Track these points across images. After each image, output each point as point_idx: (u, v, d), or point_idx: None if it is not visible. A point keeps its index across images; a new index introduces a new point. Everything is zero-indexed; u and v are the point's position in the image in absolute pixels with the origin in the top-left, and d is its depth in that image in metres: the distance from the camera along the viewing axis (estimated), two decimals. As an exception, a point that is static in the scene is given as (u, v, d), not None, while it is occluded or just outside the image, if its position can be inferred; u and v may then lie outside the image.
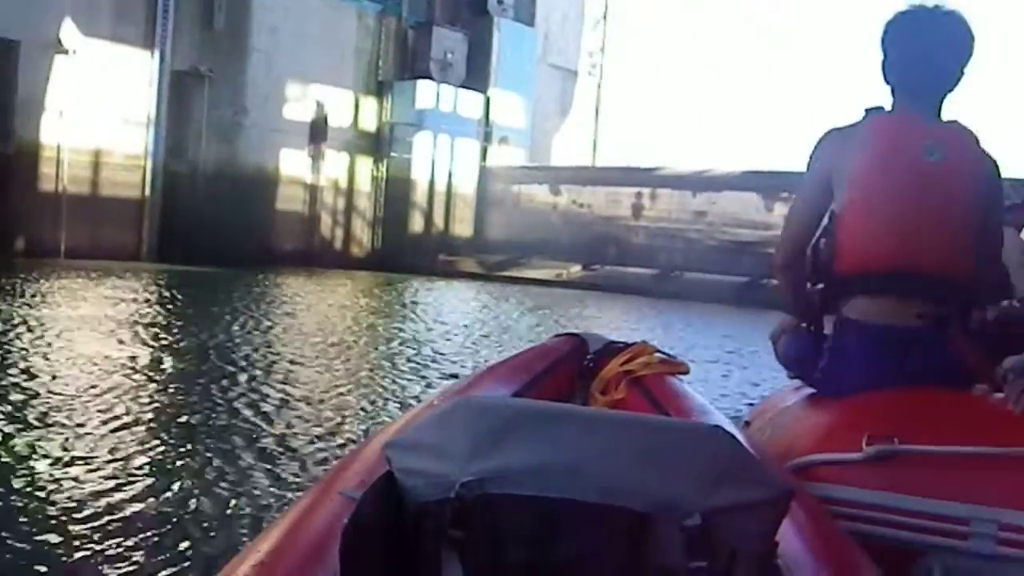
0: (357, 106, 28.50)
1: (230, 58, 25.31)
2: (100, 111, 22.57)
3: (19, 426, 5.93)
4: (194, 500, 4.77)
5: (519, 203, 30.17)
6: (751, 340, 13.94)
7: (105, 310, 12.60)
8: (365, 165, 28.80)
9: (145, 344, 9.77)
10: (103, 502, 4.59)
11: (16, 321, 10.65)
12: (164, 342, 10.21)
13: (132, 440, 5.79)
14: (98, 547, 4.03)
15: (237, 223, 24.64)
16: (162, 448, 5.73)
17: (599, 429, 1.72)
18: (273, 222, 26.64)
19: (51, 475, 4.99)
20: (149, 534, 4.24)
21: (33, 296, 13.67)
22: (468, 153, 29.95)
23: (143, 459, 5.42)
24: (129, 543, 4.11)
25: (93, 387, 7.22)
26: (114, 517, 4.40)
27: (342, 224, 28.63)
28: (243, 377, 8.29)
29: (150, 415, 6.55)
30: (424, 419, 1.85)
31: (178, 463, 5.44)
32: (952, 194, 3.07)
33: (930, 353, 3.01)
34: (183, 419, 6.51)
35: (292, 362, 9.26)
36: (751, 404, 8.21)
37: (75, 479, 4.93)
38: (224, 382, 7.97)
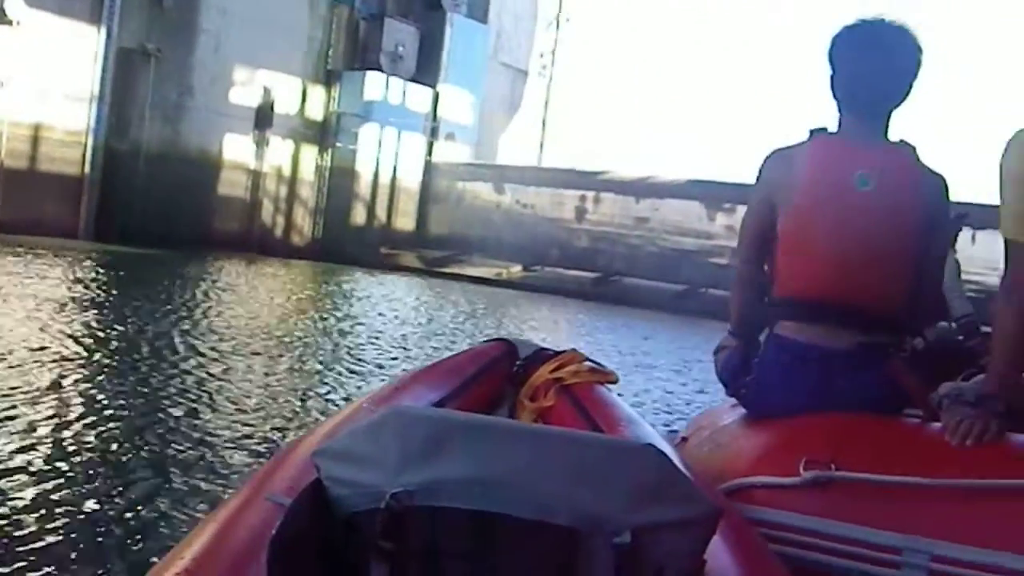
0: (305, 94, 28.30)
1: (178, 37, 24.99)
2: (43, 85, 22.21)
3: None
4: (118, 498, 4.67)
5: (463, 200, 30.12)
6: (680, 350, 14.04)
7: (32, 289, 12.42)
8: (310, 154, 28.61)
9: (70, 327, 9.60)
10: (16, 502, 4.46)
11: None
12: (92, 326, 10.05)
13: (50, 434, 5.64)
14: (17, 549, 3.92)
15: (177, 205, 24.40)
16: (80, 442, 5.59)
17: (531, 443, 1.72)
18: (214, 206, 26.38)
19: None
20: (68, 535, 4.11)
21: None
22: (414, 147, 29.84)
23: (60, 454, 5.29)
24: (50, 544, 4.00)
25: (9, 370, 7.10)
26: (29, 516, 4.26)
27: (284, 212, 28.42)
28: (170, 366, 8.18)
29: (71, 405, 6.40)
30: (354, 427, 1.83)
31: (97, 458, 5.32)
32: (885, 225, 3.08)
33: (861, 376, 3.02)
34: (106, 411, 6.38)
35: (221, 353, 9.14)
36: (669, 414, 8.27)
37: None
38: (151, 370, 7.87)
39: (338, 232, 28.54)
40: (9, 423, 5.72)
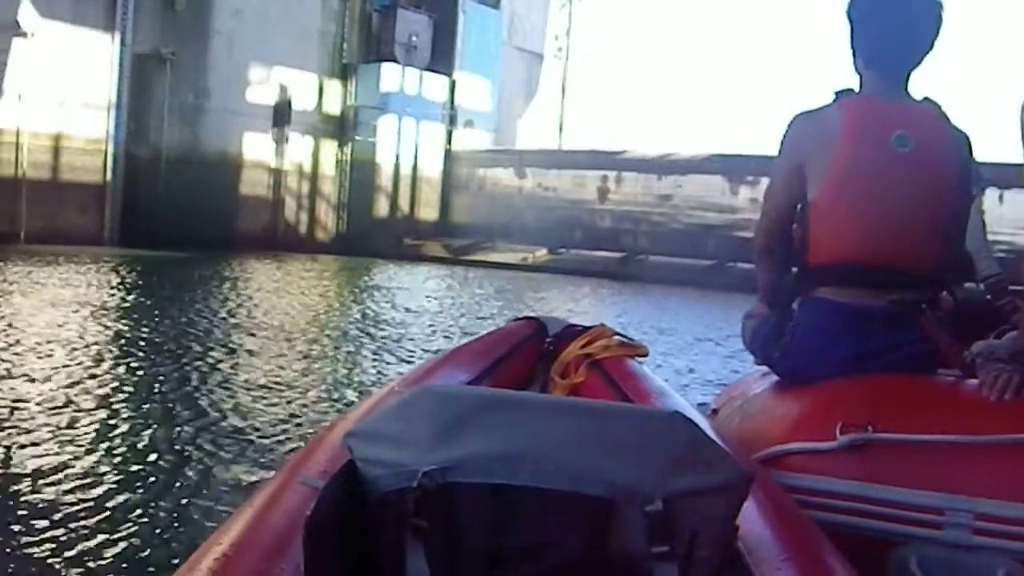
0: (321, 89, 28.31)
1: (192, 41, 25.02)
2: (60, 94, 22.27)
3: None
4: (157, 489, 4.72)
5: (484, 187, 30.10)
6: (712, 324, 13.98)
7: (65, 295, 12.48)
8: (329, 149, 28.63)
9: (106, 330, 9.68)
10: (62, 492, 4.53)
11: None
12: (125, 328, 10.12)
13: (93, 427, 5.74)
14: (61, 538, 3.98)
15: (200, 207, 24.40)
16: (122, 435, 5.67)
17: (560, 416, 1.74)
18: (237, 206, 26.43)
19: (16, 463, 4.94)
20: (110, 526, 4.18)
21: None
22: (433, 137, 29.84)
23: (104, 447, 5.37)
24: (91, 533, 4.06)
25: (52, 374, 7.13)
26: (74, 508, 4.34)
27: (307, 208, 28.46)
28: (208, 361, 8.23)
29: (112, 403, 6.47)
30: (385, 408, 1.86)
31: (139, 450, 5.40)
32: (924, 185, 3.04)
33: (899, 334, 2.98)
34: (145, 406, 6.44)
35: (255, 348, 9.19)
36: (711, 388, 8.22)
37: (33, 469, 4.86)
38: (188, 367, 7.92)
39: (362, 225, 28.55)
40: (56, 417, 5.86)
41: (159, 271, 17.95)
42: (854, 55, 3.23)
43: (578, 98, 37.44)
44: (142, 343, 9.19)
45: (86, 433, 5.63)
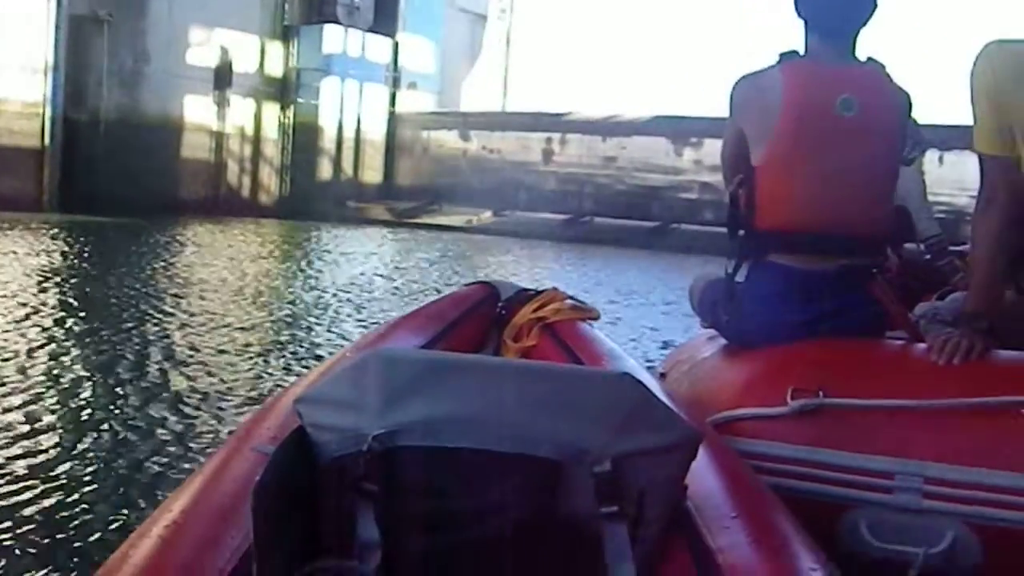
0: (263, 51, 28.05)
1: (130, 2, 24.67)
2: (-5, 57, 21.89)
3: None
4: (105, 456, 4.69)
5: (429, 149, 30.03)
6: (658, 285, 14.05)
7: (2, 261, 12.32)
8: (272, 111, 28.40)
9: (45, 297, 9.56)
10: (5, 459, 4.50)
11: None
12: (66, 295, 10.01)
13: (34, 398, 5.67)
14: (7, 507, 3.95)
15: (141, 172, 24.10)
16: (65, 401, 5.65)
17: (508, 379, 1.77)
18: (179, 170, 26.16)
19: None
20: (61, 492, 4.16)
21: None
22: (376, 99, 29.70)
23: (49, 417, 5.32)
24: (38, 498, 4.06)
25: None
26: (22, 477, 4.30)
27: (249, 172, 28.23)
28: (153, 328, 8.17)
29: (55, 370, 6.40)
30: (335, 373, 1.86)
31: (83, 416, 5.37)
32: (869, 149, 3.05)
33: (848, 298, 2.98)
34: (91, 372, 6.39)
35: (199, 314, 9.12)
36: (660, 350, 8.25)
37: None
38: (132, 335, 7.85)
39: (305, 189, 28.37)
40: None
41: (100, 236, 17.75)
42: (799, 17, 3.21)
43: (522, 59, 37.40)
44: (83, 309, 9.12)
45: (29, 399, 5.58)
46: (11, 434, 4.93)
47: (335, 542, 1.69)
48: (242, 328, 8.52)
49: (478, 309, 3.47)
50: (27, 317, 8.28)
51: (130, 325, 8.32)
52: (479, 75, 35.14)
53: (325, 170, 28.79)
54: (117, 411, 5.55)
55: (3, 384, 5.89)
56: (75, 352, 7.10)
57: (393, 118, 30.24)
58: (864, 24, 3.15)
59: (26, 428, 5.05)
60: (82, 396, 5.82)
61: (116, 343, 7.50)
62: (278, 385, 6.29)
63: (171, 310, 9.28)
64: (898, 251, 4.16)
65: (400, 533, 1.69)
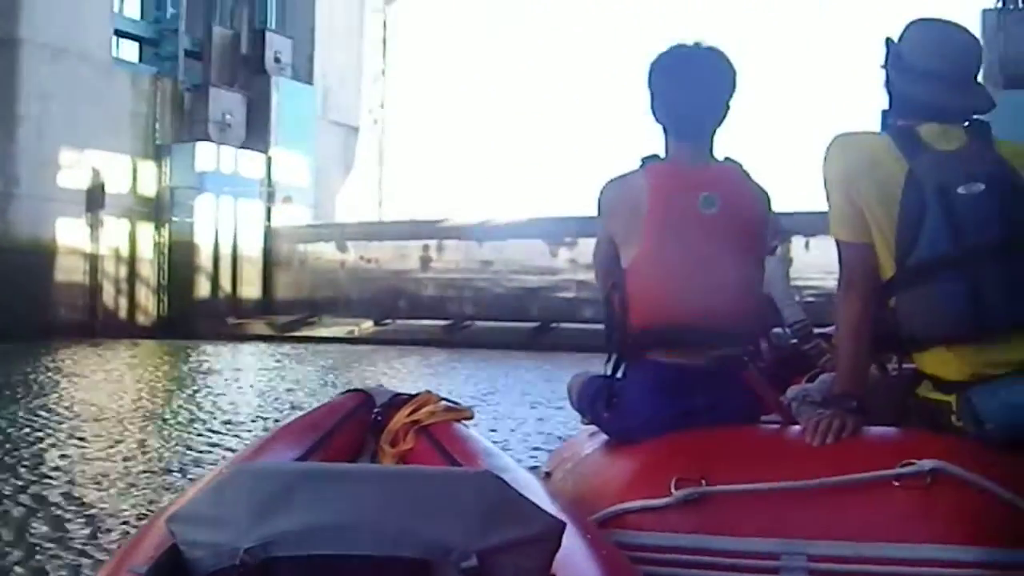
0: (135, 171, 27.87)
1: (-2, 126, 24.42)
2: None
3: None
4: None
5: (306, 262, 29.94)
6: (537, 384, 14.11)
7: None
8: (146, 231, 28.15)
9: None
10: None
11: None
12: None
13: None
14: None
15: (13, 297, 23.61)
16: None
17: (375, 484, 1.81)
18: (53, 294, 25.71)
19: None
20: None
21: None
22: (252, 214, 29.60)
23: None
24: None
25: None
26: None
27: (125, 292, 27.87)
28: (23, 458, 7.97)
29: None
30: (204, 490, 1.89)
31: None
32: (732, 243, 3.17)
33: (721, 390, 3.08)
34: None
35: (73, 440, 8.91)
36: (536, 449, 8.29)
37: None
38: (11, 461, 7.66)
39: (183, 307, 28.09)
40: None
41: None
42: (657, 121, 3.35)
43: (396, 169, 37.62)
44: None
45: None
46: None
47: None
48: (119, 453, 8.36)
49: (353, 416, 3.51)
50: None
51: (7, 454, 8.13)
52: (354, 186, 35.27)
53: (203, 288, 28.53)
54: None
55: None
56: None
57: (269, 232, 30.13)
58: (718, 125, 3.29)
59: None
60: None
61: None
62: (155, 507, 6.19)
63: (42, 437, 9.06)
64: (767, 338, 4.30)
65: None
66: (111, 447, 8.53)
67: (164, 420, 10.60)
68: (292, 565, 1.70)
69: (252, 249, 29.66)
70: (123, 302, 27.85)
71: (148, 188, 28.23)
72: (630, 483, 2.86)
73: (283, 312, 28.80)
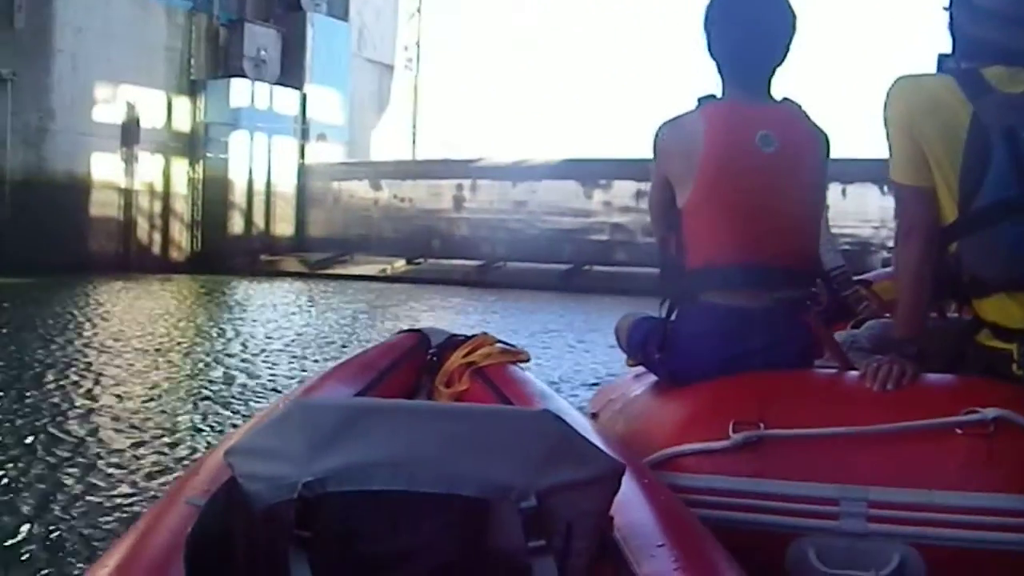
0: (170, 106, 27.89)
1: (33, 60, 24.43)
2: None
3: None
4: (27, 525, 4.60)
5: (340, 200, 29.96)
6: (575, 326, 14.09)
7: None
8: (180, 167, 28.21)
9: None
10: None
11: None
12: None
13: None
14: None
15: (49, 231, 23.80)
16: None
17: (433, 421, 1.82)
18: (87, 229, 25.85)
19: None
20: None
21: None
22: (286, 151, 29.61)
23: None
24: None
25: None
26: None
27: (159, 228, 27.98)
28: (66, 391, 8.02)
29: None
30: (263, 424, 1.91)
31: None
32: (792, 183, 3.13)
33: (779, 332, 3.05)
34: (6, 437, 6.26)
35: (115, 373, 8.97)
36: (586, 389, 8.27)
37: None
38: (45, 397, 7.71)
39: (217, 243, 28.19)
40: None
41: (8, 298, 17.42)
42: (714, 62, 3.30)
43: (430, 108, 37.55)
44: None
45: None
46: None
47: None
48: (159, 386, 8.41)
49: (409, 356, 3.54)
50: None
51: (48, 383, 8.19)
52: (388, 125, 35.20)
53: (236, 224, 28.62)
54: (35, 468, 5.45)
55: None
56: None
57: (303, 170, 30.16)
58: (776, 68, 3.24)
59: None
60: None
61: (32, 401, 7.38)
62: (190, 440, 6.23)
63: (87, 368, 9.13)
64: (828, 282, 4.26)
65: None
66: (147, 381, 8.59)
67: (200, 354, 10.67)
68: (349, 500, 1.70)
69: (285, 186, 29.71)
70: (156, 237, 27.97)
71: (183, 124, 28.26)
72: (686, 426, 2.84)
73: (316, 250, 28.84)
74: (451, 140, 36.17)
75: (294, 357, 10.57)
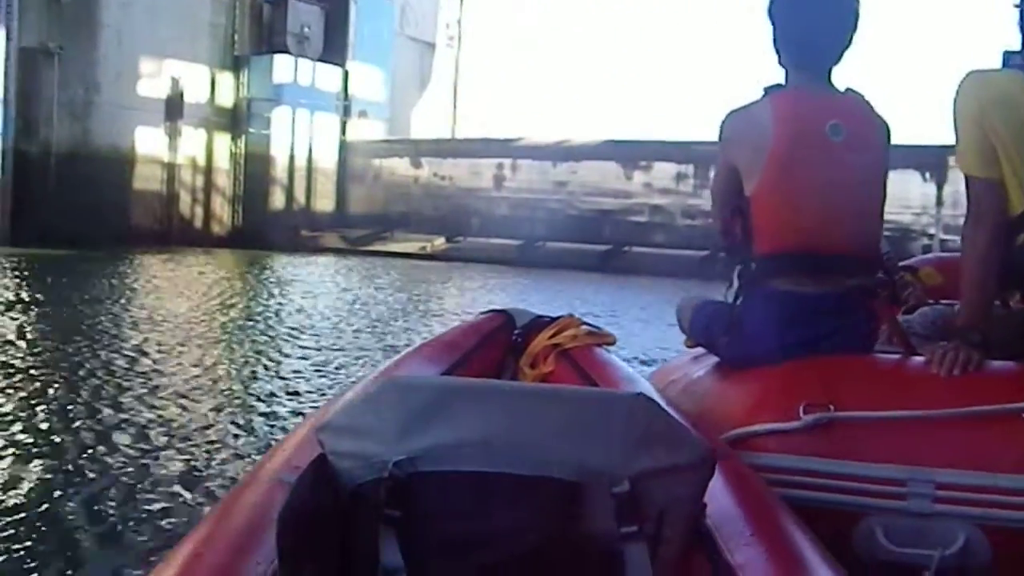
0: (213, 82, 28.02)
1: (80, 34, 24.59)
2: (-55, 91, 21.72)
3: None
4: (94, 493, 4.68)
5: (380, 177, 30.07)
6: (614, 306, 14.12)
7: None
8: (223, 142, 28.35)
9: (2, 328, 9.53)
10: None
11: None
12: (20, 326, 9.92)
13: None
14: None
15: (93, 204, 23.98)
16: (30, 440, 5.56)
17: (526, 402, 1.77)
18: (130, 202, 26.04)
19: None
20: (56, 531, 4.14)
21: None
22: (328, 127, 29.75)
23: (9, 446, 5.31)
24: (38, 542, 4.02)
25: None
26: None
27: (201, 202, 28.14)
28: (111, 360, 8.11)
29: (13, 407, 6.33)
30: (354, 401, 1.87)
31: (57, 452, 5.31)
32: (860, 172, 3.17)
33: (846, 319, 3.10)
34: (51, 410, 6.33)
35: (160, 346, 9.06)
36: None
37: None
38: (92, 366, 7.82)
39: (258, 218, 28.33)
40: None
41: (53, 269, 17.55)
42: (777, 52, 3.34)
43: (471, 86, 37.49)
44: (41, 340, 9.05)
45: None
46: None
47: (360, 568, 1.69)
48: (206, 361, 8.49)
49: (494, 337, 3.51)
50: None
51: (89, 356, 8.28)
52: (429, 103, 35.23)
53: (277, 199, 28.76)
54: (79, 441, 5.53)
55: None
56: (34, 384, 7.05)
57: (344, 146, 30.28)
58: (839, 58, 3.28)
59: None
60: (41, 425, 5.81)
61: (75, 374, 7.48)
62: (239, 415, 6.30)
63: (131, 342, 9.21)
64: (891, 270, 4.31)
65: (423, 558, 1.68)
66: (188, 355, 8.65)
67: (244, 327, 10.76)
68: (438, 481, 1.69)
69: (327, 162, 29.85)
70: (198, 211, 28.13)
71: (226, 99, 28.40)
72: (757, 407, 2.89)
73: (356, 226, 28.95)
74: (492, 119, 36.10)
75: (340, 331, 10.67)
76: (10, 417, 6.00)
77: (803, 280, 3.11)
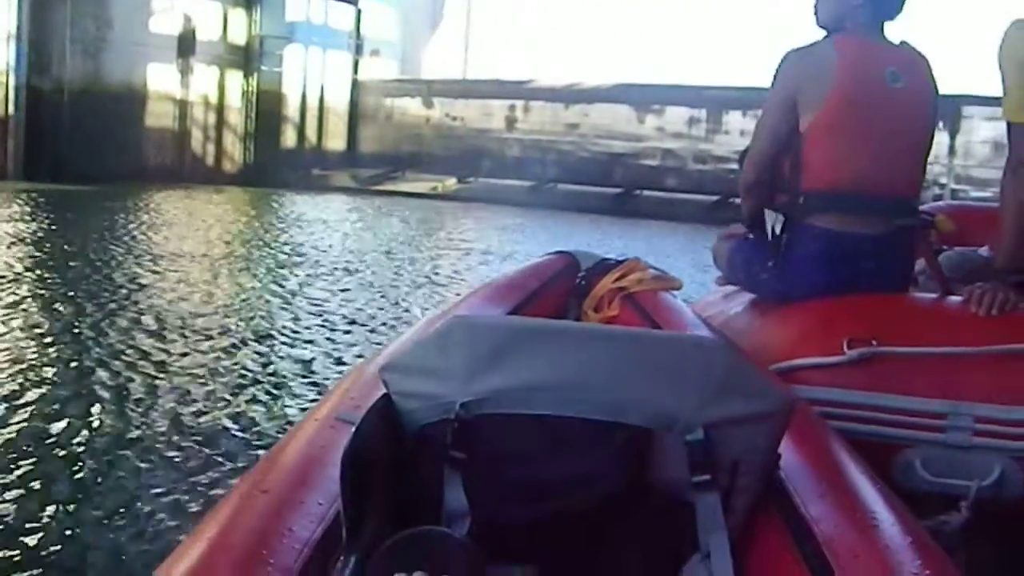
0: (226, 19, 27.82)
1: (93, -31, 24.43)
2: (-43, 26, 21.63)
3: None
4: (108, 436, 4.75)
5: (392, 116, 29.99)
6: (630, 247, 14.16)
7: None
8: (235, 79, 28.20)
9: (17, 262, 9.64)
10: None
11: None
12: (37, 261, 9.99)
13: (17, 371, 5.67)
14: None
15: (106, 140, 23.90)
16: (59, 375, 5.65)
17: (597, 345, 1.72)
18: (143, 138, 25.93)
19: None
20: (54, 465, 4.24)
21: None
22: (340, 66, 29.62)
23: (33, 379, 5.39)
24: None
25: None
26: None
27: (213, 139, 28.03)
28: (128, 294, 8.20)
29: (35, 339, 6.45)
30: (419, 341, 1.85)
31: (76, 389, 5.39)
32: (915, 119, 3.30)
33: (888, 258, 3.21)
34: (76, 343, 6.44)
35: (176, 281, 9.14)
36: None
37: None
38: (108, 301, 7.92)
39: (269, 156, 28.24)
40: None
41: (67, 204, 17.55)
42: (816, 13, 3.42)
43: (484, 27, 37.32)
44: (55, 277, 9.12)
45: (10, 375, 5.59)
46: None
47: (423, 510, 1.66)
48: (225, 297, 8.55)
49: (558, 279, 3.53)
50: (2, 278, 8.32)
51: (107, 292, 8.38)
52: (441, 42, 35.05)
53: (289, 138, 28.70)
54: (101, 376, 5.61)
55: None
56: (54, 319, 7.15)
57: (356, 86, 30.19)
58: (900, 10, 3.37)
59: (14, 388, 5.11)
60: (61, 359, 5.91)
61: (92, 309, 7.56)
62: (250, 352, 6.35)
63: (148, 278, 9.30)
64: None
65: (488, 501, 1.67)
66: (206, 291, 8.74)
67: (259, 264, 10.80)
68: (506, 423, 1.66)
69: (339, 101, 29.77)
70: (210, 149, 28.04)
71: (238, 36, 28.21)
72: (799, 341, 3.00)
73: (367, 166, 28.92)
74: (503, 60, 35.95)
75: (355, 270, 10.71)
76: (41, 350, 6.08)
77: (849, 219, 3.19)
